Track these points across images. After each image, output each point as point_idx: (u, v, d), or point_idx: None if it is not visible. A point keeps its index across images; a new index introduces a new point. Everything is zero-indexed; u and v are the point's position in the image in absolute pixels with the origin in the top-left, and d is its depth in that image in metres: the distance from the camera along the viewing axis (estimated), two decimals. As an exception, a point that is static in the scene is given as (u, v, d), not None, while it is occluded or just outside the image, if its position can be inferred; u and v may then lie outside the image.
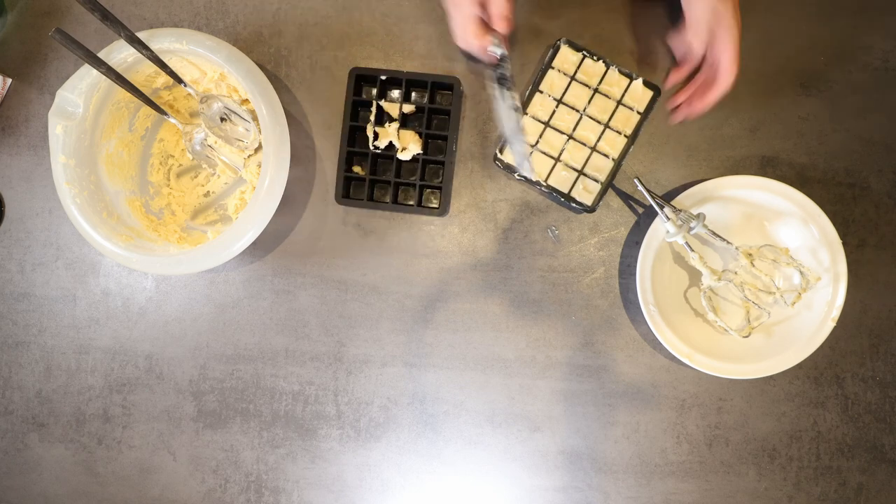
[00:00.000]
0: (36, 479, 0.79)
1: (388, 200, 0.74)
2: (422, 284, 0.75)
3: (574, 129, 0.71)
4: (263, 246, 0.76)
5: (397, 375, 0.75)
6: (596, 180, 0.70)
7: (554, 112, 0.71)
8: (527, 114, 0.70)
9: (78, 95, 0.67)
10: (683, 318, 0.73)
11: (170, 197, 0.77)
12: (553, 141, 0.71)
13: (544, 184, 0.70)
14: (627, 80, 0.70)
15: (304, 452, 0.76)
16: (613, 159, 0.70)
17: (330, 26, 0.76)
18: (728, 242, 0.70)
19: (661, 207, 0.68)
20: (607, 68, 0.71)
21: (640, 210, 0.74)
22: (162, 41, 0.66)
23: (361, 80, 0.74)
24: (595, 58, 0.70)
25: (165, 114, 0.71)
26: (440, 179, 0.74)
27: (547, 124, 0.71)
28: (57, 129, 0.67)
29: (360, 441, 0.76)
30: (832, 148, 0.74)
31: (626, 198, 0.74)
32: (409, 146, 0.73)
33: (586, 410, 0.74)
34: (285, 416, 0.76)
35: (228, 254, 0.66)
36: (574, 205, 0.71)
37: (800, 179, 0.74)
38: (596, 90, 0.71)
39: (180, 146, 0.77)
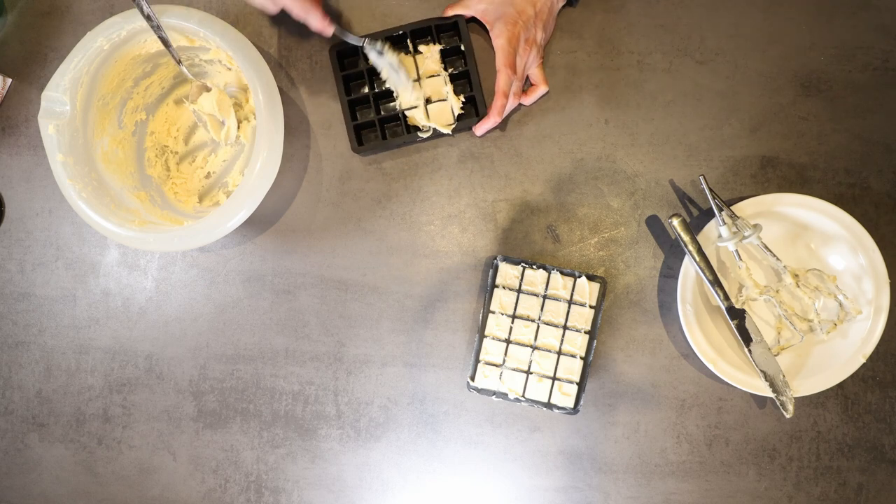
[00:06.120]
0: (36, 479, 0.79)
1: (401, 133, 0.74)
2: (422, 284, 0.75)
3: (535, 338, 0.71)
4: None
5: (397, 375, 0.75)
6: (571, 381, 0.71)
7: (511, 328, 0.71)
8: (486, 336, 0.72)
9: (63, 93, 0.67)
10: (714, 326, 0.73)
11: (174, 185, 0.77)
12: (519, 355, 0.71)
13: (524, 398, 0.71)
14: (571, 280, 0.71)
15: (304, 452, 0.76)
16: (581, 357, 0.71)
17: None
18: (778, 259, 0.69)
19: (720, 210, 0.68)
20: (549, 273, 0.71)
21: (639, 212, 0.74)
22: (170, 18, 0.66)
23: (344, 56, 0.74)
24: (534, 266, 0.71)
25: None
26: (471, 92, 0.73)
27: (508, 341, 0.72)
28: (49, 129, 0.67)
29: (360, 441, 0.76)
30: (832, 148, 0.74)
31: (626, 198, 0.74)
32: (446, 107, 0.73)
33: (586, 410, 0.74)
34: (285, 416, 0.76)
35: (221, 231, 0.66)
36: (556, 410, 0.71)
37: (800, 179, 0.74)
38: (545, 296, 0.71)
39: (172, 135, 0.77)
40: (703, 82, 0.74)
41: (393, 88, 0.73)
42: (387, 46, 0.71)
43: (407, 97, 0.73)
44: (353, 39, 0.70)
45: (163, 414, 0.77)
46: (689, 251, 0.68)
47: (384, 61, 0.71)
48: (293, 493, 0.76)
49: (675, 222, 0.68)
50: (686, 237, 0.68)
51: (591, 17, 0.74)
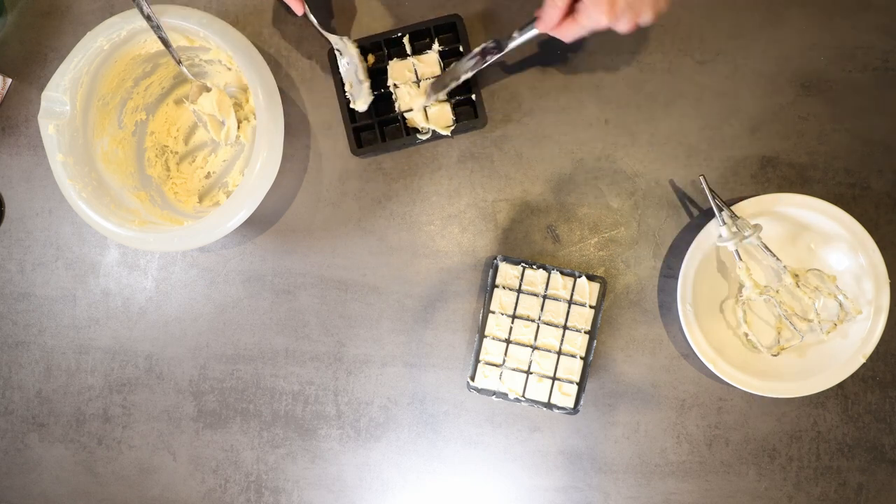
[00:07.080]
0: (36, 479, 0.79)
1: (400, 135, 0.74)
2: (422, 284, 0.75)
3: (535, 338, 0.71)
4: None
5: (397, 375, 0.75)
6: (571, 381, 0.71)
7: (511, 328, 0.71)
8: (486, 336, 0.72)
9: (63, 93, 0.67)
10: (714, 326, 0.72)
11: (174, 185, 0.77)
12: (519, 355, 0.71)
13: (524, 398, 0.71)
14: (572, 280, 0.71)
15: (304, 452, 0.76)
16: (581, 357, 0.71)
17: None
18: (778, 259, 0.69)
19: (720, 210, 0.68)
20: (549, 273, 0.71)
21: (639, 212, 0.74)
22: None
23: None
24: (535, 266, 0.71)
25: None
26: (470, 94, 0.73)
27: (508, 341, 0.71)
28: (49, 129, 0.67)
29: (360, 441, 0.76)
30: (832, 148, 0.74)
31: (626, 198, 0.74)
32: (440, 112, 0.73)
33: (586, 410, 0.74)
34: (285, 416, 0.76)
35: (221, 231, 0.66)
36: (556, 410, 0.71)
37: (800, 179, 0.74)
38: (545, 296, 0.71)
39: (172, 135, 0.77)
40: (703, 82, 0.74)
41: (351, 89, 0.72)
42: (351, 44, 0.71)
43: (362, 100, 0.72)
44: (327, 34, 0.70)
45: (163, 414, 0.77)
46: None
47: (345, 60, 0.71)
48: (293, 493, 0.76)
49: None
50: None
51: (591, 17, 0.74)
